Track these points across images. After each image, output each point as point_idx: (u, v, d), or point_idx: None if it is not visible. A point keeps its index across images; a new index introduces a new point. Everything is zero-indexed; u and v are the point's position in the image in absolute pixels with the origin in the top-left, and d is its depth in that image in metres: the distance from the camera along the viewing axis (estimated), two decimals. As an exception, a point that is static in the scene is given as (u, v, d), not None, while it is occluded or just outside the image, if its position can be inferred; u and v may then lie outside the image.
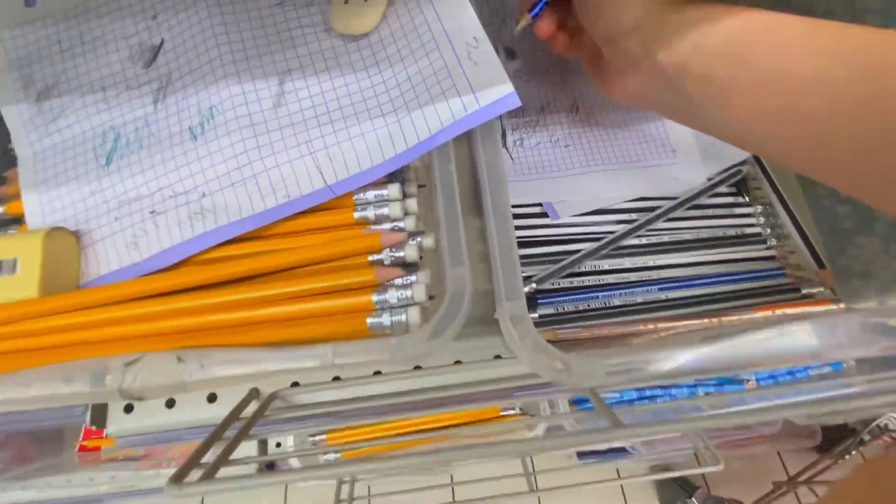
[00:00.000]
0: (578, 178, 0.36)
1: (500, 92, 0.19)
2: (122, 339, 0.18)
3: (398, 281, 0.19)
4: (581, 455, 1.12)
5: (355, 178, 0.20)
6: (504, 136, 0.38)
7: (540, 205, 0.35)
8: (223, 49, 0.22)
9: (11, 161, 0.24)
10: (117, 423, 0.32)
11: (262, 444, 0.58)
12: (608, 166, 0.36)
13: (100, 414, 0.33)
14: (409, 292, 0.18)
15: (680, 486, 1.15)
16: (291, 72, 0.22)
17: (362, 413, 0.29)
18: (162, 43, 0.23)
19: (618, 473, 1.25)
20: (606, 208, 0.34)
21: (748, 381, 0.50)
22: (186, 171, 0.21)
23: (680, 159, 0.36)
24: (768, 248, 0.33)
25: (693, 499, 1.11)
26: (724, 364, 0.22)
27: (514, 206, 0.34)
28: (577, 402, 0.53)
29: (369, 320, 0.18)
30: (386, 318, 0.18)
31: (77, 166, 0.22)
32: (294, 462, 0.48)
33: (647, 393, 0.49)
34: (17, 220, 0.23)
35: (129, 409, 0.33)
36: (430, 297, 0.18)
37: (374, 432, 0.46)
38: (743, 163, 0.35)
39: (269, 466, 0.67)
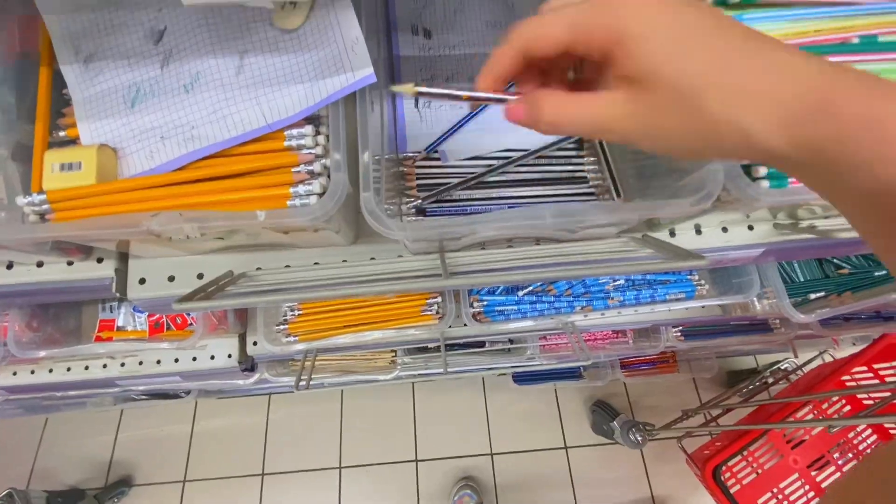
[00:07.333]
0: (466, 134, 0.50)
1: (367, 73, 0.32)
2: (145, 205, 0.32)
3: (307, 183, 0.33)
4: (517, 380, 1.31)
5: (285, 120, 0.34)
6: (416, 98, 0.51)
7: (437, 151, 0.48)
8: (205, 35, 0.35)
9: (67, 102, 0.37)
10: (134, 292, 0.47)
11: (242, 338, 0.75)
12: (488, 125, 0.50)
13: (122, 284, 0.48)
14: (312, 188, 0.32)
15: (604, 412, 1.34)
16: (248, 51, 0.35)
17: (309, 289, 0.43)
18: (165, 28, 0.36)
19: (557, 403, 1.45)
20: (482, 155, 0.48)
21: (611, 298, 0.66)
22: (182, 112, 0.35)
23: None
24: (590, 186, 0.47)
25: (615, 422, 1.31)
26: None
27: (416, 152, 0.48)
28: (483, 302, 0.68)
29: (288, 202, 0.32)
30: (298, 202, 0.32)
31: (112, 107, 0.36)
32: (269, 347, 0.63)
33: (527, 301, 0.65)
34: (73, 141, 0.37)
35: (142, 281, 0.47)
36: (324, 192, 0.33)
37: (322, 319, 0.61)
38: (583, 126, 0.49)
39: (251, 368, 0.84)
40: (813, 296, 0.70)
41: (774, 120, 0.16)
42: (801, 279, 0.72)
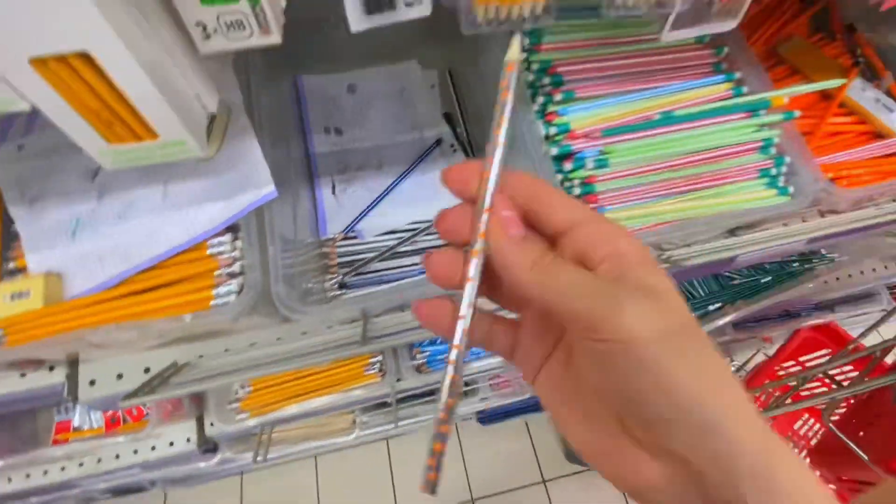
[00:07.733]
0: (379, 212, 0.58)
1: (270, 190, 0.40)
2: (88, 320, 0.38)
3: (226, 283, 0.40)
4: (482, 420, 1.35)
5: (206, 233, 0.41)
6: (333, 186, 0.59)
7: (354, 230, 0.56)
8: (133, 170, 0.42)
9: (15, 236, 0.43)
10: (85, 394, 0.51)
11: (199, 421, 0.78)
12: (398, 202, 0.58)
13: (73, 388, 0.52)
14: (231, 287, 0.39)
15: (573, 439, 1.38)
16: (171, 179, 0.42)
17: (248, 369, 0.48)
18: (99, 167, 0.43)
19: (530, 437, 1.48)
20: (395, 229, 0.56)
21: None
22: (117, 236, 0.41)
23: (444, 195, 0.59)
24: (486, 246, 0.56)
25: (584, 448, 1.34)
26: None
27: (336, 234, 0.55)
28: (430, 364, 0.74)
29: (211, 303, 0.39)
30: (220, 301, 0.39)
31: (55, 238, 0.42)
32: (222, 427, 0.66)
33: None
34: (22, 270, 0.42)
35: (92, 383, 0.51)
36: (241, 290, 0.39)
37: (272, 392, 0.65)
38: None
39: (213, 449, 0.86)
40: (712, 307, 0.79)
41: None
42: (702, 294, 0.82)
